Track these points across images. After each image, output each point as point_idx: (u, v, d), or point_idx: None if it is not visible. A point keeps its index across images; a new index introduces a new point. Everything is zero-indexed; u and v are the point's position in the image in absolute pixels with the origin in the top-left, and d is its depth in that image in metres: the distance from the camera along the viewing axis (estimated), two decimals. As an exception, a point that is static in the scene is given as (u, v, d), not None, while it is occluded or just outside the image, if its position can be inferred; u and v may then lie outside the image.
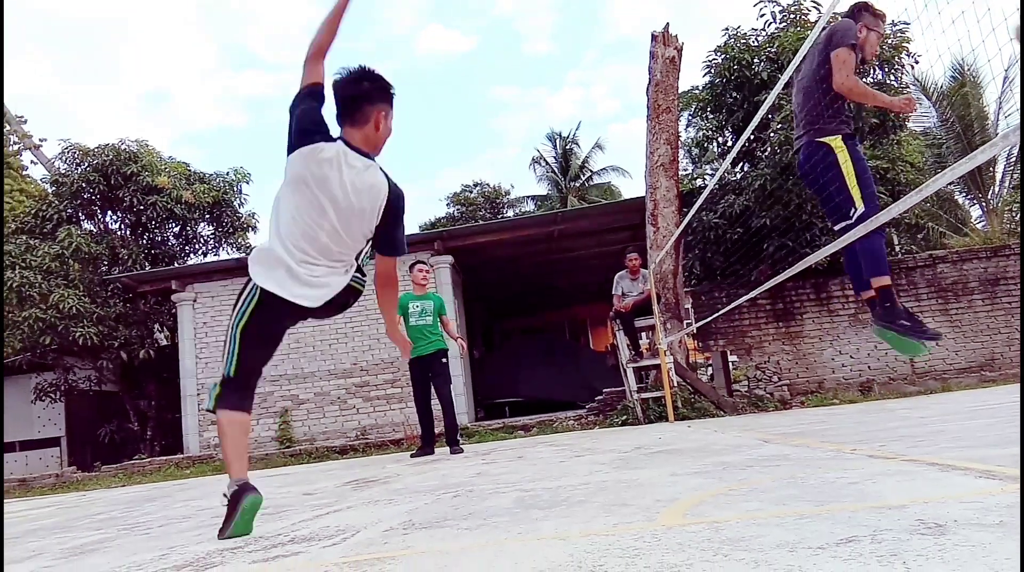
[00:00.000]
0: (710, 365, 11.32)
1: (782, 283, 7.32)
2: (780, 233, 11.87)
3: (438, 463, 6.00)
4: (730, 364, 11.07)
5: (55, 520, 4.65)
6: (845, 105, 3.72)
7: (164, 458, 12.16)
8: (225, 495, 2.70)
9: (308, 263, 2.73)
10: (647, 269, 9.78)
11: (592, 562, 1.51)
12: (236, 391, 2.78)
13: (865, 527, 1.53)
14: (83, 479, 11.26)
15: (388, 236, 2.84)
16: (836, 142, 3.62)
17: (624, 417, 9.41)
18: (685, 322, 10.71)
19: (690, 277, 13.99)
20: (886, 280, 3.53)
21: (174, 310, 13.60)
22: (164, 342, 15.33)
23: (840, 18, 3.83)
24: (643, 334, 10.28)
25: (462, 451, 7.39)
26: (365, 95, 2.73)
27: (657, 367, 9.48)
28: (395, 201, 2.79)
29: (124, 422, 14.92)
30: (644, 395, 9.48)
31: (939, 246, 16.72)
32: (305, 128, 2.71)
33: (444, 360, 7.54)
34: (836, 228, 3.95)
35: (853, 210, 3.61)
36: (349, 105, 2.73)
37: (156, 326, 15.04)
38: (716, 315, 8.74)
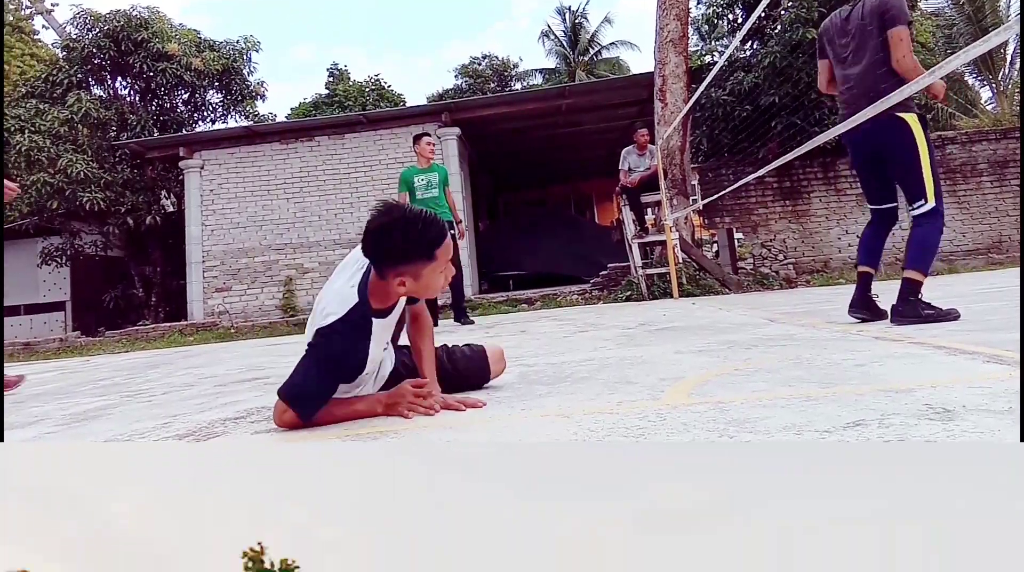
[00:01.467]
0: (716, 242, 11.29)
1: (790, 162, 7.17)
2: (789, 111, 11.64)
3: (442, 336, 6.07)
4: (736, 242, 11.02)
5: (58, 385, 4.72)
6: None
7: (168, 325, 12.38)
8: None
9: None
10: (655, 145, 9.58)
11: (596, 441, 1.51)
12: None
13: (872, 411, 1.52)
14: (87, 344, 11.50)
15: None
16: (913, 120, 3.37)
17: (628, 293, 9.47)
18: (691, 199, 10.60)
19: (697, 154, 13.77)
20: (922, 277, 3.33)
21: (181, 177, 13.59)
22: (171, 209, 15.42)
23: None
24: (649, 210, 10.20)
25: (472, 322, 7.46)
26: (382, 256, 1.98)
27: (662, 243, 9.45)
28: (315, 337, 1.98)
29: (129, 288, 15.16)
30: (649, 271, 9.50)
31: (948, 127, 16.37)
32: None
33: (452, 232, 7.46)
34: (873, 207, 3.76)
35: (922, 202, 3.36)
36: (369, 255, 2.02)
37: (163, 192, 15.18)
38: (723, 193, 8.61)
